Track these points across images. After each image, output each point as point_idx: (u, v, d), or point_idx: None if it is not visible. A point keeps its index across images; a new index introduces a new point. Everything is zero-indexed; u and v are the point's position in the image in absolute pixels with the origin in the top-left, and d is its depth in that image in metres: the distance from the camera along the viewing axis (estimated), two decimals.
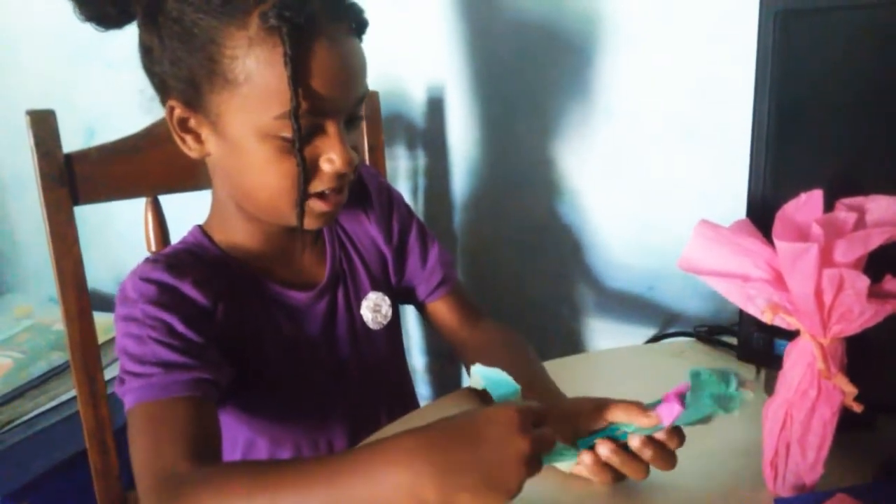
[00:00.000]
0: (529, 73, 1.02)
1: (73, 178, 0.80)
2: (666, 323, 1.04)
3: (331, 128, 0.65)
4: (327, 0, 0.62)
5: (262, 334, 0.73)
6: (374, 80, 1.08)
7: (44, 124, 0.78)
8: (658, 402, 0.58)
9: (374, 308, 0.81)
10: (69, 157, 0.80)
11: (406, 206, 0.87)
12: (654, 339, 0.98)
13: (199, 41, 0.61)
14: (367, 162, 1.03)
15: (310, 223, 0.69)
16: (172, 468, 0.56)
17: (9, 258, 1.66)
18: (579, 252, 1.08)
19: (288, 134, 0.62)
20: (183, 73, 0.64)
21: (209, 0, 0.60)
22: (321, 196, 0.68)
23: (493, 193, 1.11)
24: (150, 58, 0.66)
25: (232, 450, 0.77)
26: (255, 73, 0.61)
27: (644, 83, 0.96)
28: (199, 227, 0.76)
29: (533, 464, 0.49)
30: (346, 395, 0.79)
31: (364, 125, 1.01)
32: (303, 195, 0.65)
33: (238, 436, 0.77)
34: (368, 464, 0.49)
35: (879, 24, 0.58)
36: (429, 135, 1.13)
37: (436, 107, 1.10)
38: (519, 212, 1.10)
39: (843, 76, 0.60)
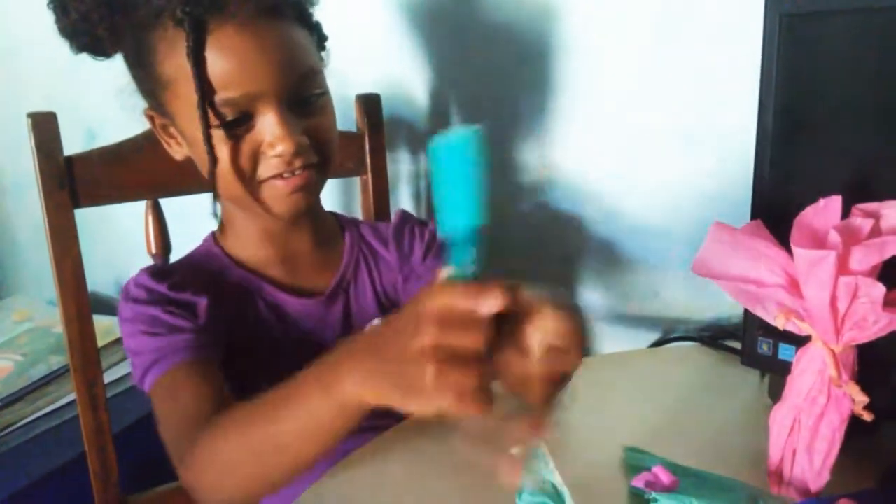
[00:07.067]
0: (530, 76, 1.02)
1: (73, 181, 0.80)
2: (670, 327, 1.03)
3: (265, 112, 0.65)
4: None
5: (251, 338, 0.73)
6: (376, 83, 1.09)
7: (45, 126, 0.78)
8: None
9: None
10: (70, 160, 0.80)
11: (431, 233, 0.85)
12: (658, 343, 0.98)
13: (139, 52, 0.66)
14: (369, 165, 1.02)
15: (280, 207, 0.70)
16: (185, 426, 0.61)
17: (9, 261, 1.65)
18: (582, 256, 1.08)
19: (223, 120, 0.64)
20: (142, 85, 0.70)
21: (135, 13, 0.64)
22: (279, 177, 0.68)
23: (495, 197, 1.11)
24: (131, 78, 0.71)
25: None
26: (177, 69, 0.64)
27: (648, 86, 0.96)
28: (212, 233, 0.79)
29: (443, 362, 0.41)
30: None
31: (365, 129, 1.01)
32: (212, 177, 0.67)
33: None
34: (319, 377, 0.50)
35: (885, 28, 0.57)
36: (431, 138, 1.12)
37: (438, 110, 1.10)
38: (521, 216, 1.10)
39: (848, 79, 0.60)
